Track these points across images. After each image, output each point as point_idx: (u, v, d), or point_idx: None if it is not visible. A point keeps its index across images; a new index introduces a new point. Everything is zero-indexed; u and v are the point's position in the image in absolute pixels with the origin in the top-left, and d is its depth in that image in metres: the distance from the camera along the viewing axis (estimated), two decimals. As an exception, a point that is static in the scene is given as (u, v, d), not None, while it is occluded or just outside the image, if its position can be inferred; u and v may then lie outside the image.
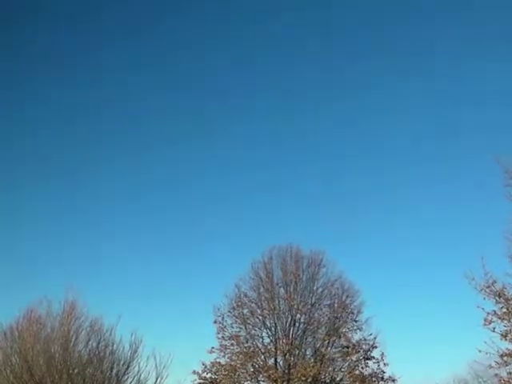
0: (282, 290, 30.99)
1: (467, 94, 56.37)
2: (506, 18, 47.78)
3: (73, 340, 26.39)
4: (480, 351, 19.00)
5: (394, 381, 30.19)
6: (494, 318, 18.63)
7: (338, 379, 29.97)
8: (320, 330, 30.47)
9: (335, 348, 30.34)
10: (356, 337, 30.72)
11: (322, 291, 31.21)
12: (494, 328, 18.68)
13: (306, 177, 58.16)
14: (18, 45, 57.68)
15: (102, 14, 57.41)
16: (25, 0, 58.28)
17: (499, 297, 18.43)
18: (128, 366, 25.68)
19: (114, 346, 25.87)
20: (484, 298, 18.85)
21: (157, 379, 25.17)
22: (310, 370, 28.49)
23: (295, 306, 30.30)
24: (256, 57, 60.18)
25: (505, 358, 18.61)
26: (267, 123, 59.66)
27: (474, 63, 53.53)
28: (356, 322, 31.00)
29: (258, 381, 29.79)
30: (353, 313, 31.14)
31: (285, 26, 56.06)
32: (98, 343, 25.75)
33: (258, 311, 30.79)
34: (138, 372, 25.62)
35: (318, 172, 57.06)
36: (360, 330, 30.74)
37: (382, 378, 30.10)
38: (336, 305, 30.95)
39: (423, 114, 56.66)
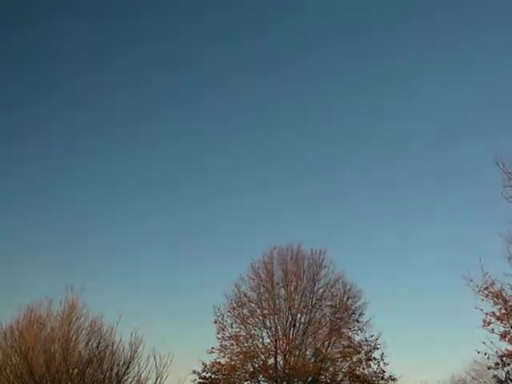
0: (282, 290, 30.94)
1: (467, 96, 56.38)
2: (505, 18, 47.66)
3: (73, 340, 26.38)
4: (478, 352, 19.09)
5: (393, 380, 30.11)
6: (493, 319, 18.64)
7: (338, 379, 29.91)
8: (321, 331, 30.40)
9: (336, 348, 30.28)
10: (358, 338, 30.72)
11: (322, 292, 31.11)
12: (493, 329, 18.72)
13: (306, 176, 58.18)
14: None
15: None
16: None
17: (497, 298, 18.43)
18: (128, 366, 25.54)
19: (114, 346, 25.76)
20: (482, 300, 18.90)
21: (157, 379, 25.06)
22: (311, 370, 28.45)
23: (296, 306, 30.26)
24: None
25: (504, 359, 18.63)
26: (268, 124, 59.84)
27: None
28: (358, 322, 30.95)
29: (258, 381, 29.76)
30: (354, 314, 31.07)
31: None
32: (98, 343, 25.63)
33: (258, 311, 30.74)
34: (138, 372, 25.51)
35: (320, 172, 57.18)
36: (362, 331, 30.68)
37: (382, 378, 30.01)
38: (337, 306, 30.88)
39: (423, 117, 56.82)
